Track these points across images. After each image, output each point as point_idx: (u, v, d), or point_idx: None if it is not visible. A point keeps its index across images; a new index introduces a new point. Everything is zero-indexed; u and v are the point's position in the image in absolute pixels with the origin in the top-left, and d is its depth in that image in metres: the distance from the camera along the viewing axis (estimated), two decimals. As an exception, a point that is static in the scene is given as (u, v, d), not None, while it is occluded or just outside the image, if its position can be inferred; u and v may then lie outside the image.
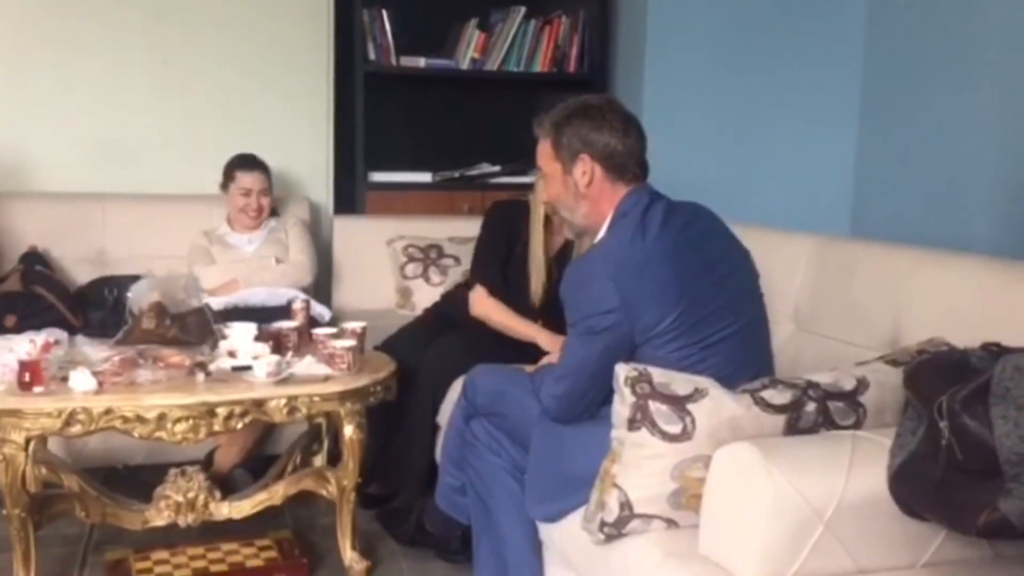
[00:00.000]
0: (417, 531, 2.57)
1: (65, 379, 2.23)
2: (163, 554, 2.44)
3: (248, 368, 2.38)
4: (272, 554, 2.46)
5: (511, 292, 2.92)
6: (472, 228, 3.80)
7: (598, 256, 1.90)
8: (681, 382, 1.66)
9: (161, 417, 2.23)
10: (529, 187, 4.05)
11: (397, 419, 2.82)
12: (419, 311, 3.58)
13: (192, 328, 2.51)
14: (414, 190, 4.04)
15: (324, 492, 2.53)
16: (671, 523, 1.70)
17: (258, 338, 2.50)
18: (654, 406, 1.63)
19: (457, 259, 3.65)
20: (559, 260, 2.93)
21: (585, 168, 1.98)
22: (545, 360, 2.48)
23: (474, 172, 4.13)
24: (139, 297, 2.45)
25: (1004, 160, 3.16)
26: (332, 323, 3.43)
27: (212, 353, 2.47)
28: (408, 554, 2.60)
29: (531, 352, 2.78)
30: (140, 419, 2.22)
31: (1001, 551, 1.59)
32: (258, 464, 2.88)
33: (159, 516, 2.45)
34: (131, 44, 3.62)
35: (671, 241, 1.87)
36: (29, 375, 2.16)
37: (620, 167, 1.97)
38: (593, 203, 2.00)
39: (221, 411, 2.27)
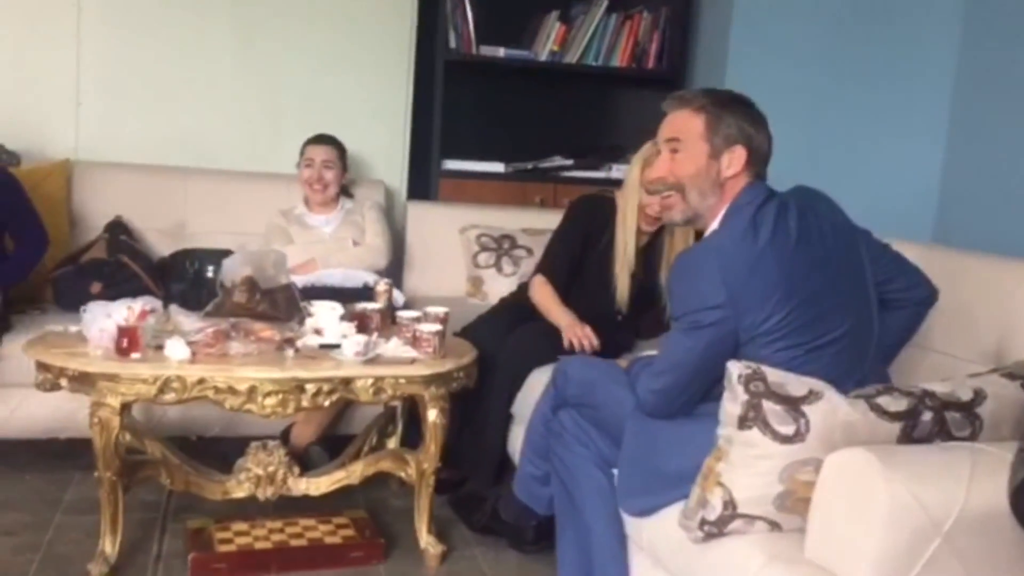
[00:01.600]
0: (491, 519, 2.56)
1: (160, 347, 2.25)
2: (243, 526, 2.46)
3: (336, 346, 2.39)
4: (349, 532, 2.47)
5: (593, 289, 2.91)
6: (546, 221, 3.80)
7: (709, 250, 1.88)
8: (796, 383, 1.63)
9: (252, 390, 2.25)
10: (603, 182, 4.08)
11: (472, 406, 2.82)
12: (490, 301, 3.58)
13: (281, 304, 2.53)
14: (486, 179, 4.04)
15: (403, 474, 2.54)
16: (774, 525, 1.68)
17: (343, 318, 2.52)
18: (768, 405, 1.61)
19: (530, 251, 3.64)
20: (645, 253, 2.91)
21: (736, 159, 1.95)
22: (643, 354, 2.46)
23: (547, 164, 4.12)
24: (231, 271, 2.46)
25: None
26: (406, 308, 3.46)
27: (299, 330, 2.49)
28: (481, 541, 2.60)
29: (612, 344, 2.77)
30: (232, 391, 2.24)
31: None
32: (332, 443, 2.90)
33: (239, 488, 2.48)
34: (215, 27, 3.66)
35: (783, 239, 1.85)
36: (127, 341, 2.19)
37: (761, 166, 1.98)
38: (724, 193, 1.97)
39: (310, 387, 2.29)
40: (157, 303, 2.38)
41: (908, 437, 1.63)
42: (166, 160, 3.61)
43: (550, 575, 2.39)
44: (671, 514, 1.85)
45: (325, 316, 2.51)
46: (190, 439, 2.98)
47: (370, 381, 2.34)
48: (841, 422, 1.60)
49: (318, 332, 2.47)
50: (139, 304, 2.27)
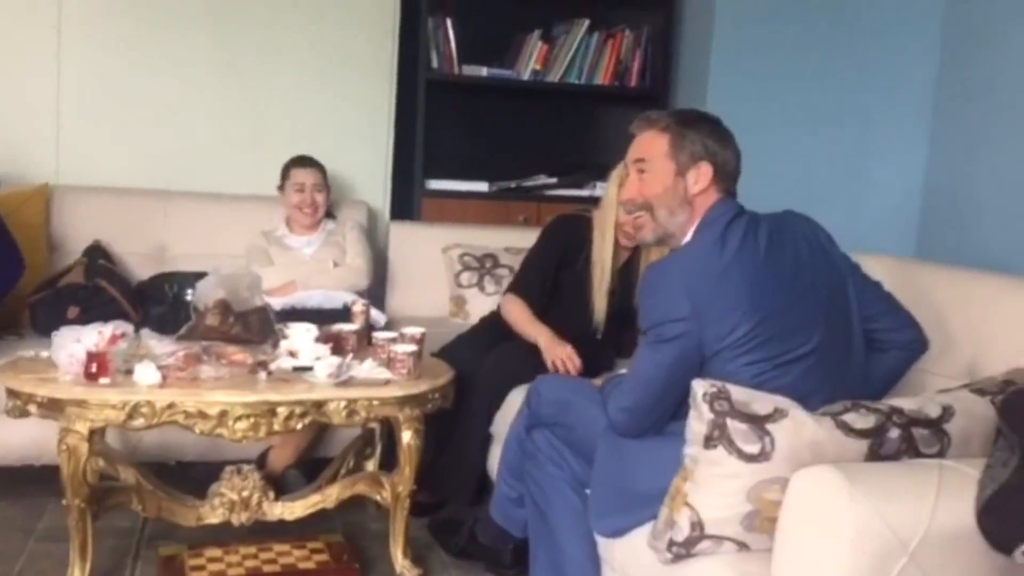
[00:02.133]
0: (468, 542, 2.53)
1: (130, 372, 2.23)
2: (216, 552, 2.43)
3: (309, 369, 2.37)
4: (324, 557, 2.44)
5: (570, 308, 2.90)
6: (528, 239, 3.75)
7: (674, 263, 1.87)
8: (761, 401, 1.62)
9: (223, 414, 2.23)
10: (587, 200, 4.07)
11: (450, 427, 2.80)
12: (473, 320, 3.56)
13: (254, 326, 2.51)
14: (470, 199, 4.03)
15: (378, 497, 2.52)
16: (742, 546, 1.66)
17: (318, 339, 2.50)
18: (733, 424, 1.59)
19: (512, 269, 3.62)
20: (623, 273, 2.90)
21: (702, 176, 1.96)
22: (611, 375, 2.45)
23: (531, 183, 4.11)
24: (204, 293, 2.45)
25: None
26: (387, 328, 3.44)
27: (273, 352, 2.47)
28: (458, 565, 2.57)
29: (592, 364, 2.75)
30: (202, 415, 2.22)
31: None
32: (311, 466, 2.87)
33: (213, 513, 2.45)
34: (197, 45, 3.66)
35: (750, 253, 1.84)
36: (96, 366, 2.17)
37: (730, 182, 1.98)
38: (694, 211, 1.97)
39: (282, 411, 2.26)
40: (129, 327, 2.36)
41: (875, 455, 1.61)
42: (147, 183, 3.60)
43: (527, 599, 2.37)
44: (642, 535, 1.83)
45: (300, 338, 2.49)
46: (168, 464, 2.95)
47: (343, 404, 2.31)
48: (808, 441, 1.58)
49: (292, 354, 2.45)
50: (110, 328, 2.25)
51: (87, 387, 2.17)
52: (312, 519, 2.52)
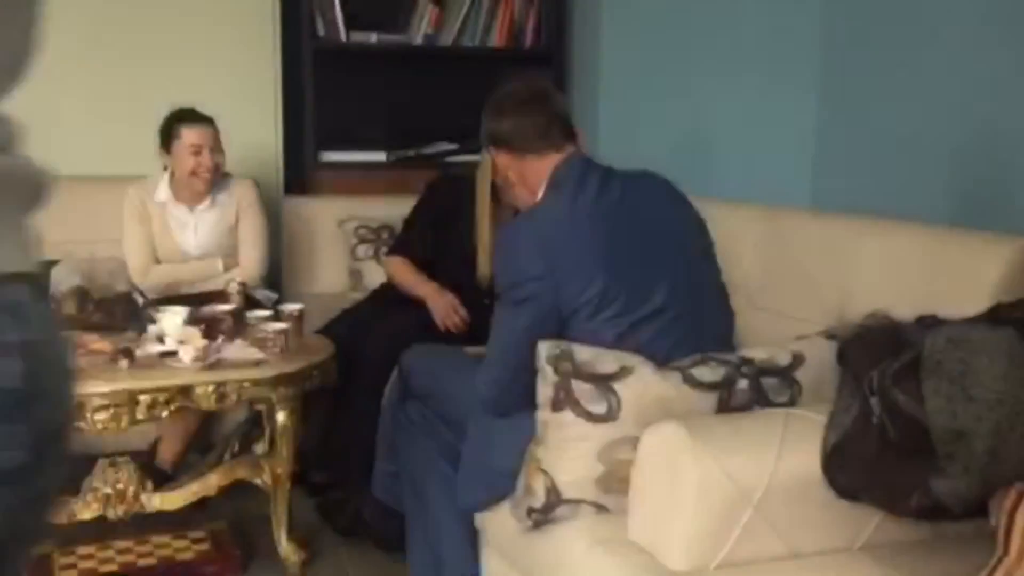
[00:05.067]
0: (355, 521, 2.47)
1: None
2: (89, 549, 2.35)
3: (174, 353, 2.28)
4: (205, 547, 2.37)
5: (456, 271, 2.83)
6: (426, 207, 3.73)
7: (525, 220, 1.83)
8: (606, 360, 1.57)
9: (79, 406, 2.13)
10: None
11: (340, 404, 2.73)
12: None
13: (117, 313, 2.41)
14: (368, 170, 3.93)
15: (259, 481, 2.44)
16: (601, 508, 1.62)
17: (189, 322, 2.40)
18: (577, 385, 1.54)
19: (410, 239, 3.56)
20: None
21: (499, 159, 1.97)
22: None
23: (430, 151, 4.02)
24: (59, 281, 2.34)
25: (960, 131, 3.08)
26: (277, 306, 3.33)
27: (139, 338, 2.37)
28: (347, 544, 2.50)
29: (482, 334, 2.69)
30: (57, 408, 2.11)
31: (941, 531, 1.52)
32: (210, 452, 2.77)
33: (86, 509, 2.35)
34: (63, 17, 3.46)
35: (603, 207, 1.79)
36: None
37: (524, 143, 1.91)
38: (522, 183, 1.96)
39: (144, 399, 2.17)
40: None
41: (726, 407, 1.57)
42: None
43: None
44: (508, 506, 1.79)
45: (168, 322, 2.39)
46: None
47: (211, 387, 2.23)
48: (655, 397, 1.55)
49: (160, 339, 2.35)
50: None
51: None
52: (200, 508, 2.43)
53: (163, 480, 2.49)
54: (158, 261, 3.03)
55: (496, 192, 2.76)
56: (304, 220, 3.65)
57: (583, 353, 1.57)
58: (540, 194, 1.88)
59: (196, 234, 3.09)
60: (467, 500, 1.90)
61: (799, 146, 3.76)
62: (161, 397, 2.19)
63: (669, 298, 1.77)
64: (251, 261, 3.09)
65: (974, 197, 3.19)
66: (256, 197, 3.22)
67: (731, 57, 3.76)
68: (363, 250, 3.55)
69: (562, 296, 1.74)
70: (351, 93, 4.03)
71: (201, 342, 2.28)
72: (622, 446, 1.55)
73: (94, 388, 2.13)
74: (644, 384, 1.55)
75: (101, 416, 2.15)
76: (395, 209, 3.68)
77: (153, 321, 2.42)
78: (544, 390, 1.57)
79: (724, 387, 1.57)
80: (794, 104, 3.75)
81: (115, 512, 2.35)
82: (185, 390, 2.21)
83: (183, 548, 2.36)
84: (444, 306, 2.71)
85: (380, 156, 3.95)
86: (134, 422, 2.20)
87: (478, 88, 4.23)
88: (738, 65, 3.77)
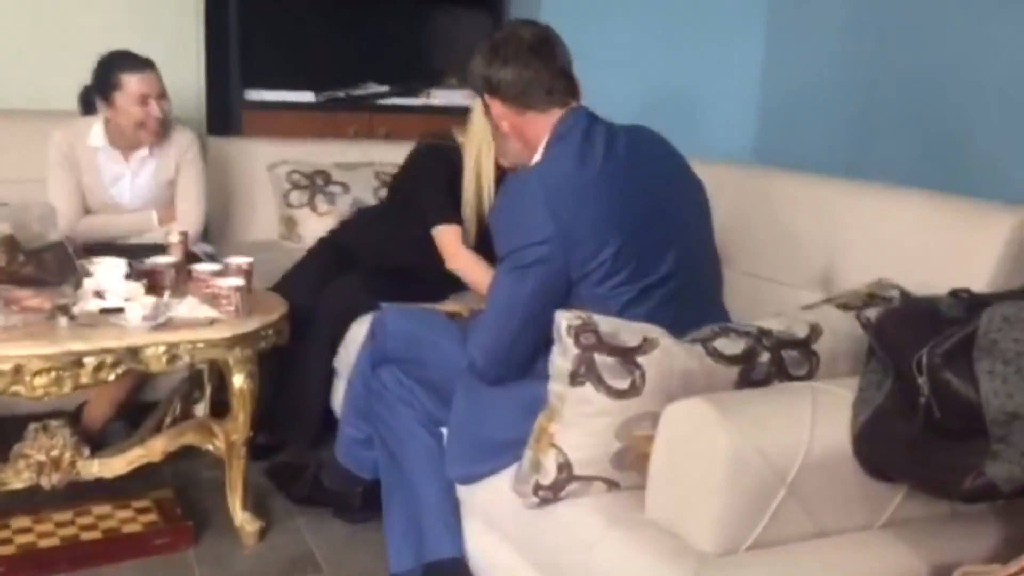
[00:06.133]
0: (313, 488, 2.35)
1: None
2: (24, 521, 2.16)
3: (119, 311, 2.10)
4: (151, 517, 2.21)
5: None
6: (360, 153, 3.56)
7: (532, 179, 1.70)
8: (629, 331, 1.49)
9: (18, 369, 1.94)
10: (422, 109, 3.85)
11: (290, 364, 2.58)
12: (306, 243, 3.30)
13: (50, 265, 2.19)
14: (295, 111, 3.72)
15: (210, 447, 2.29)
16: (612, 485, 1.56)
17: (129, 276, 2.21)
18: (600, 359, 1.46)
19: (346, 187, 3.39)
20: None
21: (494, 107, 1.85)
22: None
23: (360, 92, 3.84)
24: (-14, 230, 2.11)
25: (912, 84, 3.11)
26: (214, 259, 3.14)
27: (76, 294, 2.17)
28: (303, 511, 2.38)
29: (439, 290, 2.58)
30: (-8, 372, 1.92)
31: (959, 508, 1.51)
32: (136, 415, 2.58)
33: (18, 478, 2.16)
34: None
35: (614, 166, 1.70)
36: None
37: (527, 98, 1.79)
38: (518, 137, 1.85)
39: (89, 361, 1.99)
40: None
41: (746, 380, 1.53)
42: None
43: (380, 545, 2.21)
44: (504, 478, 1.71)
45: (107, 275, 2.19)
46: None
47: (162, 348, 2.06)
48: (679, 371, 1.48)
49: (99, 295, 2.16)
50: None
51: None
52: (138, 474, 2.27)
53: (93, 446, 2.30)
54: (89, 212, 2.79)
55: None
56: (232, 163, 3.43)
57: (606, 324, 1.48)
58: (540, 150, 1.78)
59: (131, 186, 2.85)
60: (457, 472, 1.82)
61: (745, 91, 3.74)
62: (108, 359, 2.01)
63: (676, 263, 1.71)
64: (190, 216, 2.87)
65: (930, 149, 3.25)
66: (199, 149, 2.97)
67: (676, 7, 3.70)
68: (297, 197, 3.37)
69: (572, 260, 1.65)
70: (277, 28, 3.80)
71: (150, 300, 2.10)
72: (641, 422, 1.49)
73: (34, 350, 1.94)
74: (669, 358, 1.48)
75: (41, 380, 1.96)
76: (328, 154, 3.51)
77: (89, 274, 2.23)
78: (562, 363, 1.49)
79: (746, 360, 1.52)
80: (741, 47, 3.71)
81: (49, 481, 2.18)
82: (134, 352, 2.04)
83: (128, 519, 2.20)
84: None
85: (308, 96, 3.76)
86: (77, 387, 2.01)
87: (412, 26, 4.11)
88: (684, 10, 3.70)
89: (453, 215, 2.57)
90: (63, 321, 2.05)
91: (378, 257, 2.74)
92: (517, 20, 1.87)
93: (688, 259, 1.76)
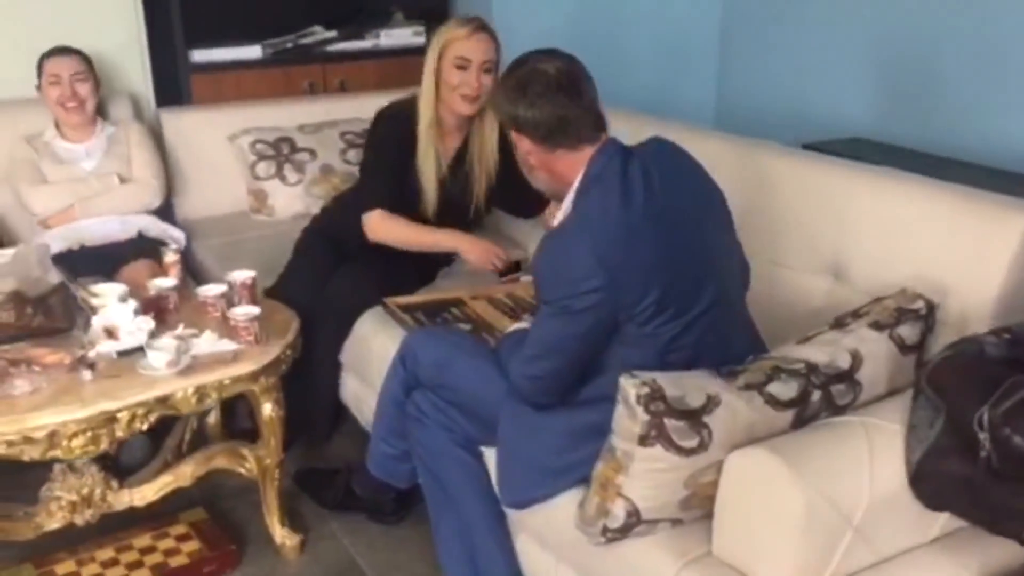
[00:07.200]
0: (345, 495, 2.40)
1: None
2: (69, 563, 2.17)
3: (138, 351, 2.07)
4: (194, 545, 2.24)
5: (412, 204, 2.63)
6: (323, 112, 3.46)
7: (578, 228, 1.71)
8: (693, 392, 1.55)
9: (53, 435, 1.92)
10: (373, 53, 3.73)
11: (297, 363, 2.58)
12: (279, 215, 3.28)
13: (57, 311, 2.14)
14: (244, 68, 3.58)
15: (242, 470, 2.31)
16: (676, 522, 1.65)
17: (137, 311, 2.17)
18: (670, 423, 1.53)
19: (313, 152, 3.31)
20: (453, 166, 2.66)
21: (522, 144, 1.84)
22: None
23: (308, 40, 3.70)
24: (-10, 286, 2.04)
25: (880, 38, 3.13)
26: (189, 246, 3.08)
27: (87, 337, 2.12)
28: (336, 517, 2.44)
29: (432, 261, 2.68)
30: (29, 440, 1.90)
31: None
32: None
33: (52, 519, 2.16)
34: None
35: (655, 206, 1.71)
36: None
37: (557, 137, 1.78)
38: (548, 172, 1.85)
39: (123, 416, 1.98)
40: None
41: (800, 420, 1.61)
42: None
43: (416, 543, 2.32)
44: (559, 502, 1.79)
45: (115, 312, 2.15)
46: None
47: (191, 391, 2.06)
48: (742, 425, 1.56)
49: (110, 333, 2.12)
50: None
51: None
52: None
53: (118, 471, 2.30)
54: None
55: (440, 118, 2.57)
56: (188, 134, 3.32)
57: (671, 388, 1.54)
58: (574, 187, 1.78)
59: (91, 160, 2.94)
60: (511, 499, 1.88)
61: (705, 43, 3.71)
62: (140, 411, 2.00)
63: (717, 292, 1.76)
64: (145, 179, 2.97)
65: (895, 106, 3.30)
66: (145, 133, 3.08)
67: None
68: (264, 168, 3.29)
69: (621, 304, 1.69)
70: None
71: (171, 343, 2.07)
72: (708, 471, 1.57)
73: (67, 415, 1.92)
74: (732, 414, 1.55)
75: (78, 442, 1.95)
76: (289, 117, 3.41)
77: (92, 309, 2.18)
78: (629, 425, 1.54)
79: (801, 403, 1.60)
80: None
81: (83, 517, 2.19)
82: (163, 399, 2.03)
83: (171, 550, 2.22)
84: (482, 251, 2.52)
85: (255, 51, 3.61)
86: (113, 441, 2.01)
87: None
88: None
89: (382, 195, 2.58)
90: (87, 375, 2.02)
91: (366, 240, 2.72)
92: (538, 52, 1.81)
93: (725, 283, 1.81)
